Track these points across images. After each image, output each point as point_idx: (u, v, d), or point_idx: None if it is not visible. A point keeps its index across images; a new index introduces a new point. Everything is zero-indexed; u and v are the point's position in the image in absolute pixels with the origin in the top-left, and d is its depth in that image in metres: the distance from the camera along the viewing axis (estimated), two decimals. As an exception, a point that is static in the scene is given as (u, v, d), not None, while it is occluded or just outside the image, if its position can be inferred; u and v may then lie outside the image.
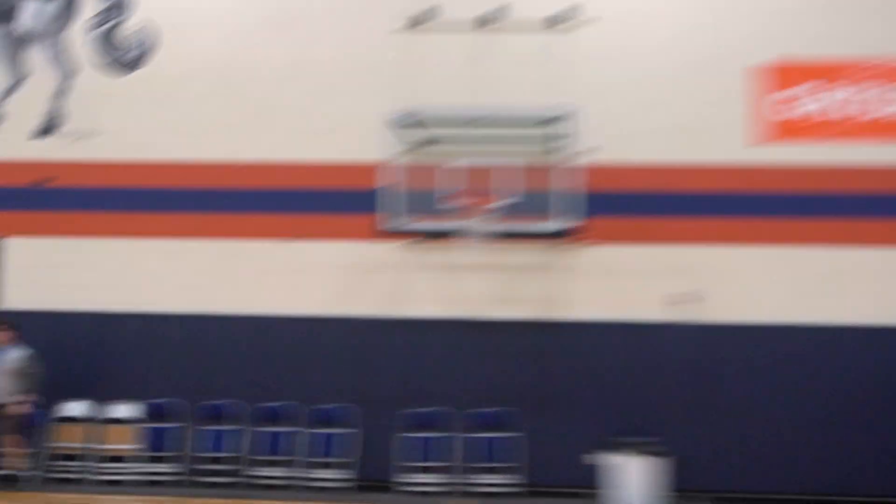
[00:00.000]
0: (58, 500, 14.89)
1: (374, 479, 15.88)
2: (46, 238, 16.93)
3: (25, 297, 16.70)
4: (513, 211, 15.37)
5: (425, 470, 15.84)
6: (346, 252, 16.21)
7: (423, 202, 15.60)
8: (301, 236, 16.21)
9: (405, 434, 15.97)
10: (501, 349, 16.00)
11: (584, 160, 15.82)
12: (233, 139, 16.64)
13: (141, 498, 15.01)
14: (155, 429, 16.30)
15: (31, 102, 17.09)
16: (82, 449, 16.32)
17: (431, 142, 15.92)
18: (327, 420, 16.22)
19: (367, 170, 16.06)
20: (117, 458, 16.21)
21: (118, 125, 16.88)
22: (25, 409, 15.35)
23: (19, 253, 16.92)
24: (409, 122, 15.64)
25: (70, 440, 16.33)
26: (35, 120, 17.18)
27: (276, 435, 16.22)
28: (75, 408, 16.53)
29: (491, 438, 15.90)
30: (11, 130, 17.21)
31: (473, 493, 15.68)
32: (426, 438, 15.93)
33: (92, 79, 17.06)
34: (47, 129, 16.98)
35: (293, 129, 16.54)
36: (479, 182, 15.40)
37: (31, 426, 16.05)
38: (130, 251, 16.75)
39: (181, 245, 16.64)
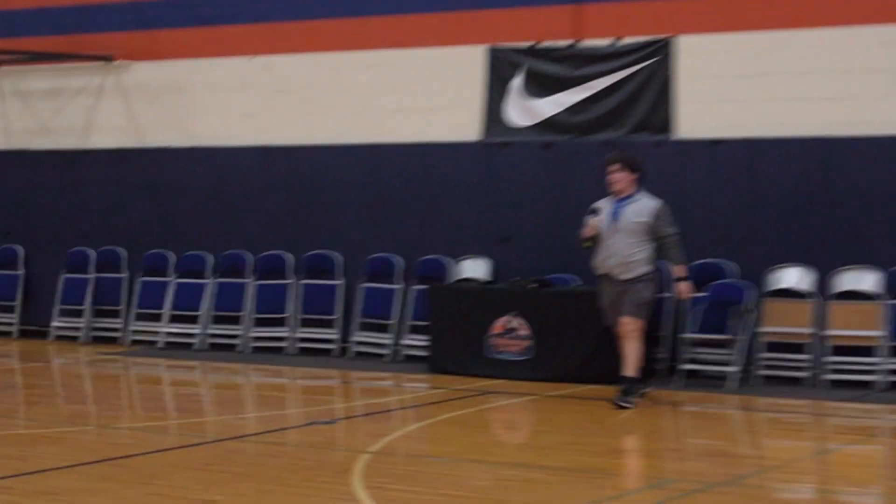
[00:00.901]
0: (763, 405, 13.51)
1: None
2: (734, 34, 14.94)
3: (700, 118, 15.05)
4: None
5: None
6: None
7: None
8: None
9: None
10: None
11: None
12: None
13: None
14: (906, 307, 14.26)
15: None
16: (806, 336, 14.44)
17: None
18: None
19: None
20: (857, 350, 14.21)
21: None
22: (650, 288, 13.10)
23: (692, 58, 15.01)
24: None
25: (787, 324, 14.49)
26: None
27: None
28: (791, 277, 14.62)
29: None
30: None
31: None
32: None
33: None
34: None
35: None
36: None
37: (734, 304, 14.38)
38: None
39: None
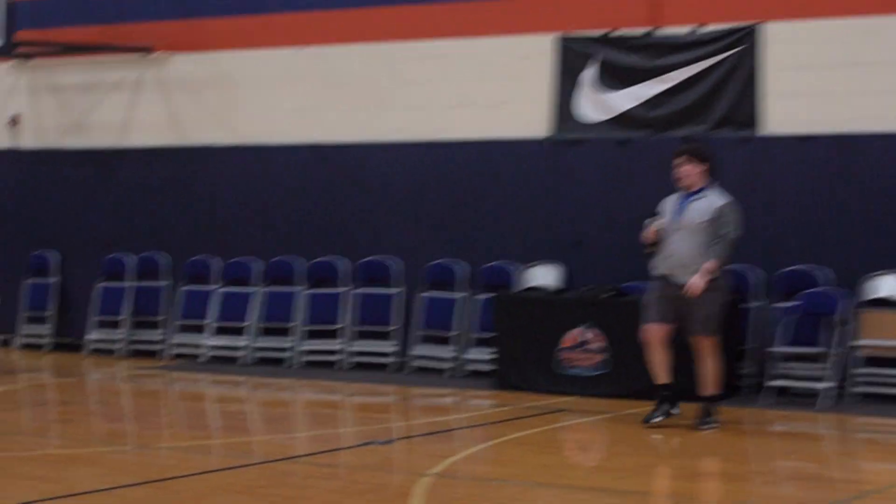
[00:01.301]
0: (859, 425, 13.56)
1: None
2: (826, 20, 14.90)
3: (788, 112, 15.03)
4: None
5: None
6: None
7: None
8: None
9: None
10: None
11: None
12: None
13: None
14: None
15: None
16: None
17: None
18: None
19: None
20: None
21: None
22: (718, 298, 12.70)
23: (781, 47, 15.01)
24: None
25: (885, 336, 14.49)
26: None
27: None
28: (890, 284, 14.68)
29: None
30: None
31: None
32: None
33: None
34: None
35: None
36: None
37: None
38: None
39: None
